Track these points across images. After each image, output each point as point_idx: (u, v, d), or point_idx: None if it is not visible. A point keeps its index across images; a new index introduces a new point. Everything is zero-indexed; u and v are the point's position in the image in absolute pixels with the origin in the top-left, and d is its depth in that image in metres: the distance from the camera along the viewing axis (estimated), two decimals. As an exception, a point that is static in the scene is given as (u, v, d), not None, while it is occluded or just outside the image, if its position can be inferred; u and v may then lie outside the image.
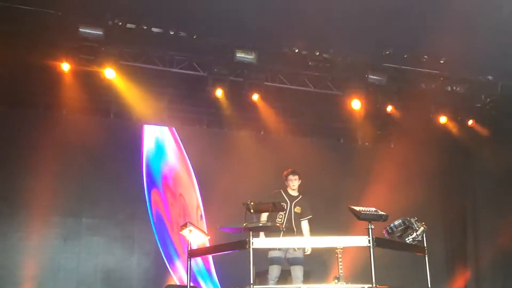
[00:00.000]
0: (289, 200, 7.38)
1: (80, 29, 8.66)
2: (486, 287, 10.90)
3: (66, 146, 9.65)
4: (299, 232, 7.36)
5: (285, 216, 7.25)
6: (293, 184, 7.49)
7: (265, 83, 10.28)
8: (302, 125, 11.57)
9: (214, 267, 10.25)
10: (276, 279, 7.17)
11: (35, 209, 9.28)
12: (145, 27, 8.99)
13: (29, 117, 9.66)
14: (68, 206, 9.69)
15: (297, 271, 7.20)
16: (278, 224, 6.44)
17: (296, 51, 9.81)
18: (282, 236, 6.90)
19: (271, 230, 6.37)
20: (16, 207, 9.25)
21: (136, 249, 10.03)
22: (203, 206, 10.57)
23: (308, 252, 7.32)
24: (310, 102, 10.97)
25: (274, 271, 7.18)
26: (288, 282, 7.40)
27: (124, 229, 9.98)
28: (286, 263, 7.32)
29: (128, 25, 8.94)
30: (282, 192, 7.46)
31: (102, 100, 10.28)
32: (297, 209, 7.37)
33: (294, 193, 7.49)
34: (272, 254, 7.19)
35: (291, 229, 7.20)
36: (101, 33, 8.74)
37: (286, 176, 7.53)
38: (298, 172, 7.60)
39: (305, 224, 7.46)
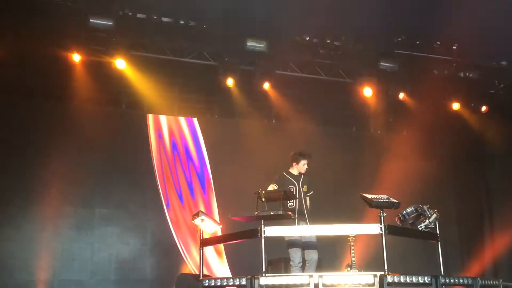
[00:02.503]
0: (295, 181, 7.33)
1: (91, 20, 8.65)
2: (503, 273, 10.82)
3: (77, 137, 9.70)
4: (309, 212, 7.32)
5: (296, 199, 7.18)
6: (304, 169, 7.41)
7: (276, 71, 10.24)
8: (313, 114, 11.52)
9: (226, 255, 10.29)
10: (300, 264, 7.07)
11: (48, 199, 9.36)
12: (155, 17, 8.99)
13: (40, 108, 9.70)
14: (81, 197, 9.77)
15: (313, 254, 7.12)
16: (289, 212, 6.40)
17: (307, 39, 9.76)
18: (297, 220, 6.90)
19: (282, 218, 6.35)
20: (30, 198, 9.33)
21: (149, 238, 10.09)
22: (216, 194, 10.60)
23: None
24: (322, 90, 10.90)
25: (297, 254, 7.08)
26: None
27: (137, 218, 10.05)
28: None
29: (138, 15, 8.94)
30: (286, 175, 7.39)
31: (113, 90, 10.30)
32: (305, 188, 7.35)
33: (296, 172, 7.43)
34: (290, 237, 7.12)
35: (303, 212, 7.18)
36: (111, 23, 8.73)
37: (299, 160, 7.38)
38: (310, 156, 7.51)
39: (307, 200, 7.42)
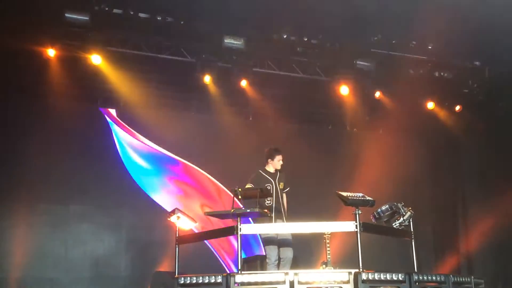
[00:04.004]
0: (272, 179, 7.36)
1: (66, 14, 8.56)
2: (476, 270, 11.01)
3: (52, 133, 9.58)
4: (284, 208, 7.37)
5: (273, 197, 7.22)
6: (279, 165, 7.44)
7: (254, 69, 10.24)
8: (290, 111, 11.56)
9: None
10: (276, 262, 7.09)
11: (22, 196, 9.22)
12: (132, 12, 8.91)
13: (14, 104, 9.55)
14: (55, 194, 9.65)
15: (288, 252, 7.17)
16: (266, 210, 6.40)
17: (285, 36, 9.79)
18: (274, 217, 6.94)
19: (259, 216, 6.36)
20: (2, 195, 9.19)
21: (124, 235, 10.03)
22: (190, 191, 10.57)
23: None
24: (299, 88, 10.94)
25: (274, 252, 7.11)
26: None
27: (112, 215, 9.97)
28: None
29: (115, 10, 8.86)
30: (262, 173, 7.42)
31: (89, 86, 10.17)
32: (281, 185, 7.39)
33: (272, 170, 7.46)
34: (267, 234, 7.16)
35: (280, 209, 7.21)
36: (87, 18, 8.65)
37: (274, 156, 7.43)
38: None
39: (284, 197, 7.46)
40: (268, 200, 7.16)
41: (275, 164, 7.43)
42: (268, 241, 7.12)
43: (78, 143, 9.83)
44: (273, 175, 7.39)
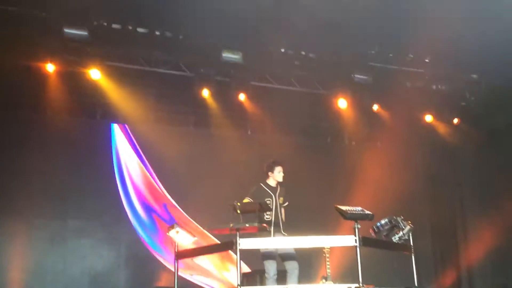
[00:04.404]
0: (272, 193, 7.20)
1: (65, 30, 8.59)
2: (476, 284, 10.98)
3: (51, 148, 9.59)
4: (286, 223, 7.21)
5: (272, 212, 7.07)
6: (281, 177, 7.24)
7: (252, 83, 10.28)
8: (289, 125, 11.57)
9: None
10: (275, 277, 6.92)
11: (20, 211, 9.21)
12: (130, 27, 8.96)
13: (13, 119, 9.55)
14: (53, 208, 9.63)
15: (293, 264, 6.99)
16: (264, 225, 6.38)
17: (282, 50, 9.83)
18: (273, 232, 6.85)
19: (258, 230, 6.33)
20: (1, 210, 9.15)
21: (123, 250, 9.99)
22: (190, 206, 10.54)
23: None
24: (297, 101, 10.93)
25: (272, 267, 6.94)
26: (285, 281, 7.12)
27: (110, 230, 9.94)
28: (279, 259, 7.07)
29: (113, 26, 8.91)
30: (264, 187, 7.24)
31: (88, 101, 10.20)
32: (281, 200, 7.23)
33: (274, 183, 7.27)
34: (266, 249, 6.95)
35: (278, 224, 7.08)
36: (86, 33, 8.68)
37: (273, 168, 7.24)
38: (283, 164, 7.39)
39: (282, 211, 7.29)
40: (267, 215, 7.05)
41: (275, 176, 7.25)
42: (266, 255, 6.98)
43: (76, 158, 9.83)
44: (273, 189, 7.26)
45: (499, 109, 10.95)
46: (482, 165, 11.23)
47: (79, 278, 9.58)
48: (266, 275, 6.98)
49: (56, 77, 9.30)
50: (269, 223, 6.96)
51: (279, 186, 7.31)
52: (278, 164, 7.28)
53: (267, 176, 7.30)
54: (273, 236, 6.91)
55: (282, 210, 7.30)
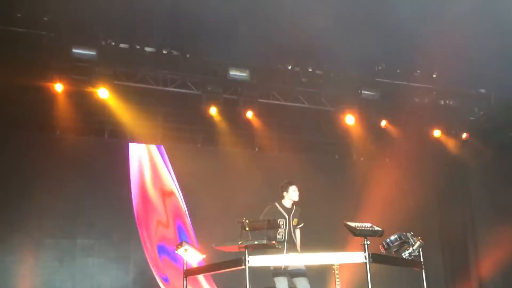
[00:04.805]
0: (286, 214, 7.10)
1: (73, 50, 8.72)
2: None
3: (60, 167, 9.60)
4: (296, 243, 7.14)
5: (285, 232, 7.00)
6: (297, 196, 7.16)
7: (259, 100, 10.30)
8: (296, 142, 11.57)
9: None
10: None
11: (29, 231, 9.22)
12: (138, 47, 9.05)
13: (22, 139, 9.60)
14: (62, 228, 9.62)
15: (304, 282, 6.86)
16: (273, 242, 6.33)
17: (289, 67, 9.88)
18: (286, 252, 6.73)
19: (267, 247, 6.29)
20: (10, 230, 9.16)
21: (131, 269, 9.94)
22: (199, 224, 10.51)
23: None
24: (304, 118, 10.99)
25: (282, 284, 6.82)
26: None
27: (119, 249, 9.91)
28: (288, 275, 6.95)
29: (121, 45, 9.01)
30: (278, 207, 7.15)
31: (96, 120, 10.25)
32: (294, 222, 7.13)
33: (289, 205, 7.18)
34: (275, 266, 6.86)
35: (292, 243, 7.01)
36: (94, 53, 8.78)
37: (288, 187, 7.16)
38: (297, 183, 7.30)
39: (297, 233, 7.22)
40: (279, 235, 6.98)
41: (291, 196, 7.15)
42: (276, 272, 6.88)
43: (85, 177, 9.84)
44: (288, 210, 7.15)
45: (508, 123, 10.92)
46: (491, 180, 11.16)
47: (87, 297, 9.54)
48: None
49: (65, 96, 9.36)
50: (281, 244, 6.84)
51: (294, 207, 7.21)
52: (292, 184, 7.20)
53: (283, 197, 7.21)
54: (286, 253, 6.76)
55: (298, 231, 7.22)
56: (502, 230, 10.38)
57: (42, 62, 8.77)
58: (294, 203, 7.23)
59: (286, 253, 6.77)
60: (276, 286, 6.86)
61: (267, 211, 7.09)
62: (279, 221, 6.97)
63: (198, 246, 10.01)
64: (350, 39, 8.57)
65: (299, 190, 7.23)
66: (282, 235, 6.99)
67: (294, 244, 7.06)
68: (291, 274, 6.92)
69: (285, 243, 6.91)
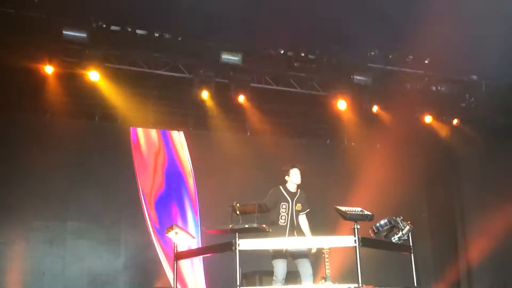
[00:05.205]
0: (290, 198, 6.97)
1: (64, 32, 8.60)
2: (476, 283, 10.97)
3: (50, 150, 9.58)
4: (300, 229, 7.01)
5: (288, 216, 6.89)
6: (298, 178, 7.04)
7: (251, 84, 10.25)
8: (288, 126, 11.58)
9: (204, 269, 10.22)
10: (283, 280, 6.71)
11: (19, 214, 9.22)
12: (130, 29, 8.95)
13: (12, 121, 9.55)
14: (52, 210, 9.63)
15: (306, 265, 6.76)
16: (264, 225, 6.33)
17: (282, 52, 9.82)
18: (287, 237, 6.70)
19: (257, 231, 6.30)
20: (0, 213, 9.15)
21: (122, 252, 9.98)
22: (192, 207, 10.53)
23: (313, 251, 6.94)
24: (296, 103, 10.98)
25: (280, 267, 6.72)
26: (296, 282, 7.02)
27: (110, 232, 9.93)
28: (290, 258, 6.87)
29: (112, 27, 8.90)
30: (282, 190, 7.02)
31: (87, 103, 10.21)
32: (298, 207, 6.99)
33: (293, 189, 7.05)
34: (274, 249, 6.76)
35: (293, 229, 6.88)
36: (85, 35, 8.68)
37: (289, 171, 7.04)
38: (301, 165, 7.16)
39: (303, 219, 7.06)
40: (281, 219, 6.88)
41: (293, 179, 7.03)
42: (276, 255, 6.76)
43: (75, 160, 9.83)
44: (292, 194, 7.03)
45: (498, 110, 10.96)
46: (481, 165, 11.23)
47: (78, 280, 9.57)
48: (274, 277, 6.80)
49: (55, 79, 9.27)
50: (283, 228, 6.83)
51: (299, 191, 7.11)
52: (292, 167, 7.09)
53: (285, 181, 7.11)
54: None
55: (304, 217, 7.08)
56: (490, 216, 10.47)
57: (32, 43, 8.67)
58: (299, 187, 7.11)
59: (287, 237, 6.74)
60: (274, 269, 6.81)
61: (271, 193, 6.99)
62: (282, 205, 6.89)
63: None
64: (342, 24, 8.55)
65: (301, 173, 7.10)
66: (285, 219, 6.89)
67: (297, 229, 6.94)
68: (293, 256, 6.83)
69: (287, 227, 6.84)
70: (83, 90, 9.67)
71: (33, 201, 9.35)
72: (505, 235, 10.24)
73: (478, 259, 10.92)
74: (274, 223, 6.80)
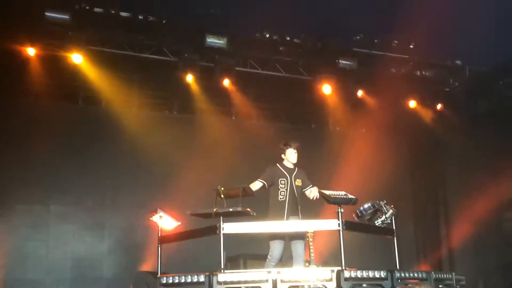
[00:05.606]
0: (288, 174, 6.92)
1: (46, 13, 8.48)
2: (457, 266, 11.11)
3: (33, 133, 9.49)
4: (302, 207, 6.87)
5: (287, 192, 6.81)
6: (295, 158, 6.98)
7: (236, 68, 10.21)
8: (273, 110, 11.57)
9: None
10: (278, 260, 6.71)
11: (1, 197, 9.14)
12: (113, 11, 8.86)
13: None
14: (35, 194, 9.55)
15: (298, 247, 6.79)
16: (248, 209, 6.33)
17: (267, 36, 9.79)
18: (287, 213, 6.67)
19: (241, 215, 6.31)
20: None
21: (106, 236, 9.96)
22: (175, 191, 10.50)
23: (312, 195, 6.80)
24: (282, 87, 10.96)
25: (277, 248, 6.71)
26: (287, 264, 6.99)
27: (94, 216, 9.89)
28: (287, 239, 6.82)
29: (96, 9, 8.81)
30: (279, 166, 6.97)
31: (70, 85, 10.10)
32: (298, 182, 6.92)
33: (290, 165, 7.00)
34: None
35: (294, 206, 6.81)
36: (68, 17, 8.58)
37: (285, 150, 6.99)
38: (297, 144, 7.09)
39: (314, 191, 6.83)
40: (281, 195, 6.82)
41: (289, 157, 6.98)
42: (274, 236, 6.71)
43: (58, 143, 9.75)
44: (290, 170, 6.96)
45: (481, 94, 11.05)
46: (464, 149, 11.32)
47: (61, 263, 9.55)
48: (268, 256, 6.77)
49: (37, 61, 9.17)
50: (282, 203, 6.79)
51: (297, 168, 7.05)
52: (288, 146, 7.03)
53: (282, 159, 7.06)
54: (287, 219, 6.70)
55: (310, 190, 6.91)
56: (472, 199, 10.58)
57: (14, 25, 8.53)
58: (296, 165, 7.07)
59: (286, 214, 6.70)
60: (270, 250, 6.79)
61: (267, 170, 6.95)
62: (280, 180, 6.85)
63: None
64: (328, 8, 8.53)
65: (299, 152, 7.05)
66: (284, 194, 6.83)
67: (297, 207, 6.86)
68: (290, 236, 6.81)
69: (286, 204, 6.79)
70: (66, 72, 9.57)
71: (16, 184, 9.27)
72: (486, 219, 10.37)
73: (460, 242, 11.06)
74: (274, 199, 6.79)
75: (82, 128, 10.07)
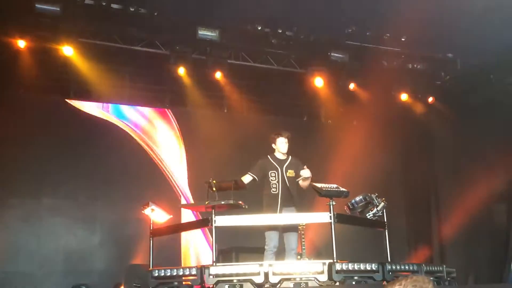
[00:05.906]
0: (279, 166, 6.87)
1: (37, 5, 8.39)
2: (449, 258, 11.18)
3: (24, 126, 9.43)
4: (297, 197, 6.88)
5: (278, 184, 6.78)
6: (285, 147, 6.94)
7: (228, 61, 10.18)
8: (265, 103, 11.56)
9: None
10: (275, 249, 6.69)
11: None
12: (104, 3, 8.76)
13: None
14: (27, 187, 9.51)
15: (291, 240, 6.79)
16: (240, 202, 6.34)
17: (259, 28, 9.74)
18: (280, 205, 6.69)
19: (233, 207, 6.32)
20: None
21: (98, 229, 9.94)
22: (167, 184, 10.49)
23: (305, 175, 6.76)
24: (274, 80, 10.96)
25: (273, 238, 6.69)
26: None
27: (85, 209, 9.86)
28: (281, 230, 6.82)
29: (87, 1, 8.70)
30: (270, 158, 6.94)
31: (61, 78, 10.04)
32: (290, 173, 6.84)
33: (282, 156, 6.93)
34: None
35: (288, 198, 6.78)
36: (58, 9, 8.48)
37: (275, 139, 6.96)
38: (287, 133, 7.05)
39: (306, 172, 6.75)
40: (273, 188, 6.79)
41: (280, 147, 6.92)
42: (269, 227, 6.71)
43: (49, 136, 9.70)
44: (281, 162, 6.90)
45: (473, 88, 11.07)
46: (456, 143, 11.36)
47: (53, 257, 9.52)
48: (265, 246, 6.76)
49: (28, 53, 9.08)
50: (275, 196, 6.78)
51: (290, 158, 6.99)
52: (279, 136, 6.97)
53: (274, 150, 7.04)
54: (280, 211, 6.70)
55: (302, 182, 6.82)
56: (464, 193, 10.63)
57: (4, 16, 8.45)
58: (289, 154, 7.02)
59: (280, 207, 6.71)
60: (266, 241, 6.78)
61: (258, 163, 6.93)
62: (270, 173, 6.83)
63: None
64: (320, 1, 8.51)
65: (289, 142, 7.00)
66: (276, 187, 6.79)
67: (291, 198, 6.82)
68: (284, 228, 6.80)
69: (279, 196, 6.77)
70: (56, 65, 9.50)
71: (7, 178, 9.23)
72: (477, 211, 10.42)
73: (451, 235, 11.11)
74: (267, 192, 6.79)
75: (73, 120, 10.02)
